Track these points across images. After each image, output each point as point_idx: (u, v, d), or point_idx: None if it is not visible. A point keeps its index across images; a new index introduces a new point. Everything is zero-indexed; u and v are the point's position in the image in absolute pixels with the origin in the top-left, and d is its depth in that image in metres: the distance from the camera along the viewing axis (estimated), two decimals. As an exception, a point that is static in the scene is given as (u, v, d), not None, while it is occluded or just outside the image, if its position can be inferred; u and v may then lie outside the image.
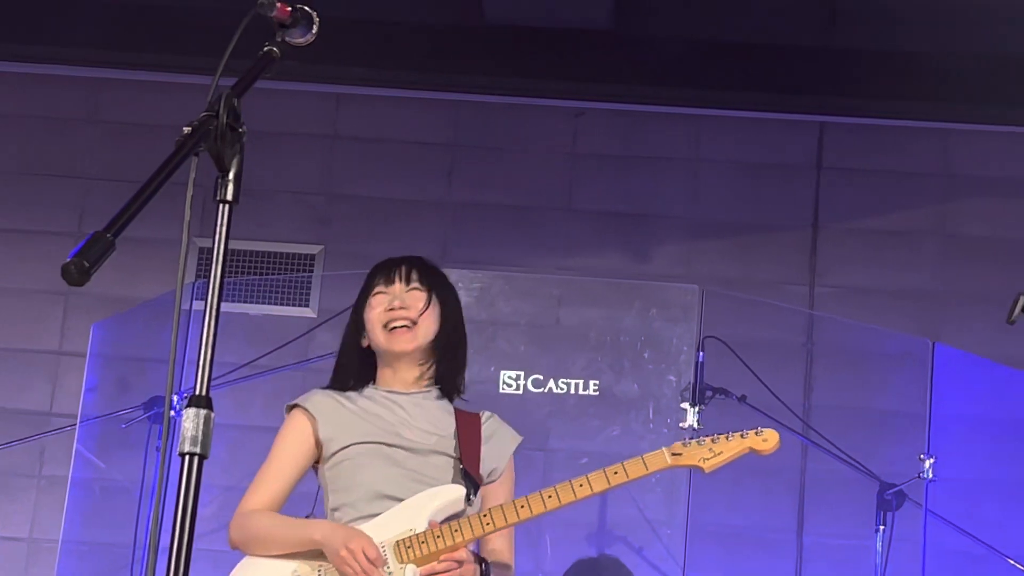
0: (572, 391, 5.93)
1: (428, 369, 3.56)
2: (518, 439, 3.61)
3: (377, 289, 3.57)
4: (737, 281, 6.64)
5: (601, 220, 6.86)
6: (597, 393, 5.92)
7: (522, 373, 5.93)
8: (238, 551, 3.47)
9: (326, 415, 3.49)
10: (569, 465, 5.74)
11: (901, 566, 5.74)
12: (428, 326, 3.53)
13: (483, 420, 3.57)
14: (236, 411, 6.18)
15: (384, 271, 3.59)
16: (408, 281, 3.56)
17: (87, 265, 2.10)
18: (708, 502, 5.95)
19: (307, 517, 3.74)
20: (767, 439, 3.39)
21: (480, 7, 6.40)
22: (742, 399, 5.72)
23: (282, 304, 6.72)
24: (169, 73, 6.68)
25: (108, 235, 2.13)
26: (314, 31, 2.61)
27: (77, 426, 6.25)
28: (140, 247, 6.20)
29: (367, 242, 6.74)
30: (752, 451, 3.39)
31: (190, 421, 2.27)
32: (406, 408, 3.52)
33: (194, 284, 6.10)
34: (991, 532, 5.89)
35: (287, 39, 2.59)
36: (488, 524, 3.35)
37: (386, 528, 3.37)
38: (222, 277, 2.34)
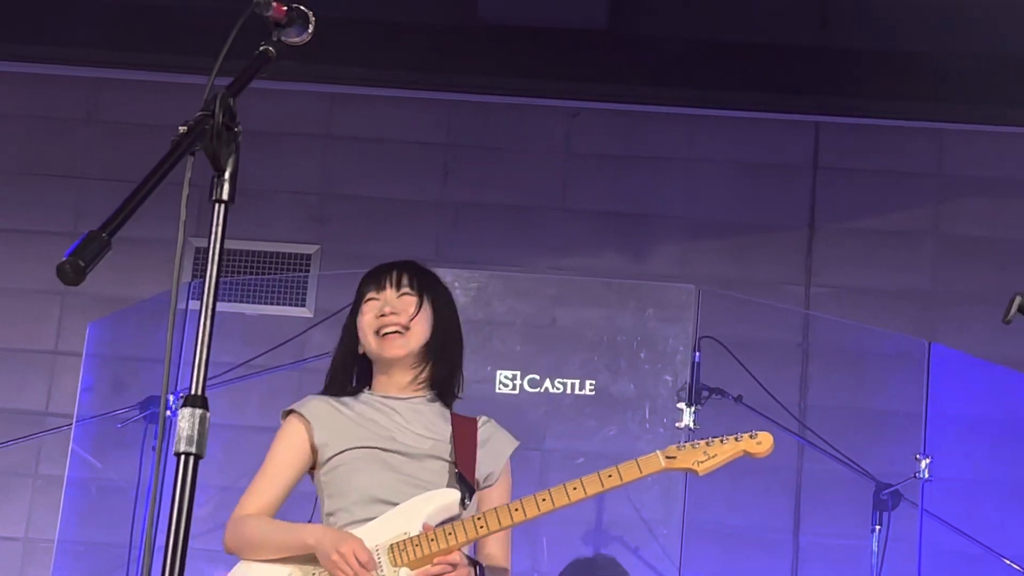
0: (568, 391, 5.93)
1: (422, 373, 3.56)
2: (514, 443, 3.61)
3: (369, 296, 3.58)
4: (734, 281, 6.64)
5: (598, 220, 6.86)
6: (593, 393, 5.92)
7: (518, 373, 5.93)
8: (233, 555, 3.47)
9: (321, 420, 3.50)
10: (565, 465, 5.74)
11: (897, 566, 5.74)
12: (420, 331, 3.54)
13: (479, 425, 3.57)
14: (232, 411, 6.18)
15: (375, 278, 3.60)
16: (399, 287, 3.57)
17: (83, 264, 2.10)
18: (704, 502, 5.95)
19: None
20: (761, 442, 3.39)
21: (476, 7, 6.40)
22: (738, 399, 5.72)
23: (278, 304, 6.72)
24: (168, 73, 6.68)
25: (104, 234, 2.13)
26: (310, 31, 2.62)
27: (73, 426, 6.25)
28: (136, 247, 6.19)
29: (364, 242, 6.74)
30: (746, 454, 3.39)
31: (186, 421, 2.27)
32: (401, 413, 3.53)
33: (190, 284, 6.10)
34: (987, 532, 5.89)
35: (283, 39, 2.59)
36: (482, 527, 3.35)
37: (380, 532, 3.37)
38: (218, 277, 2.34)
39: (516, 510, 3.36)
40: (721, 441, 3.39)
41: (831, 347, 6.64)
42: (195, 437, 2.27)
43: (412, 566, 3.33)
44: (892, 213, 6.85)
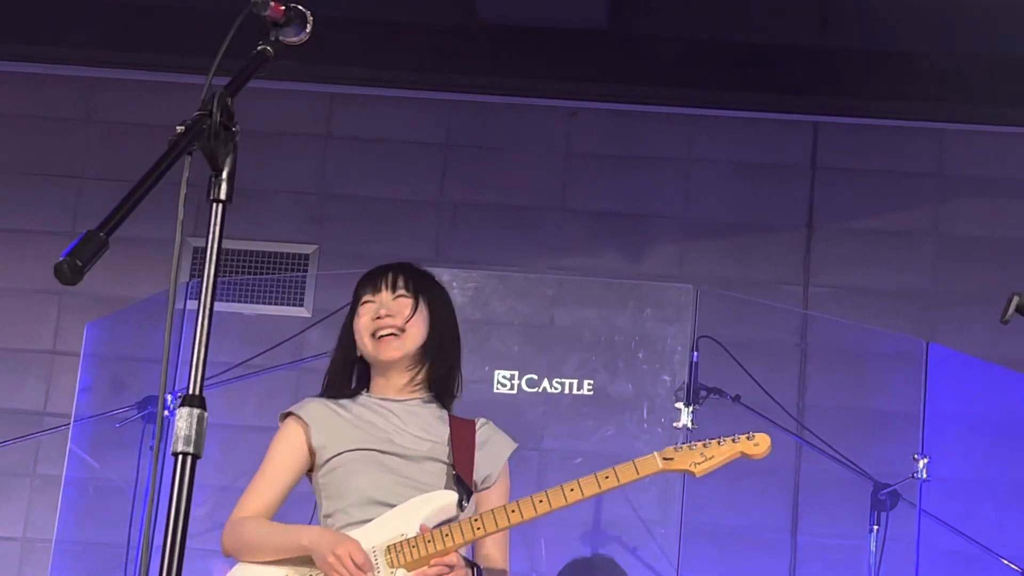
0: (566, 391, 5.93)
1: (419, 374, 3.56)
2: (513, 445, 3.61)
3: (365, 298, 3.58)
4: (732, 281, 6.64)
5: (596, 220, 6.87)
6: (591, 393, 5.92)
7: (516, 373, 5.93)
8: (231, 557, 3.47)
9: (319, 423, 3.50)
10: (563, 465, 5.74)
11: (895, 566, 5.74)
12: (416, 332, 3.54)
13: (477, 427, 3.57)
14: (230, 411, 6.18)
15: (371, 280, 3.60)
16: (394, 289, 3.57)
17: (80, 264, 2.10)
18: (702, 502, 5.95)
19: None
20: (758, 443, 3.39)
21: (475, 7, 6.40)
22: (736, 399, 5.72)
23: (276, 304, 6.71)
24: (166, 73, 6.68)
25: (101, 234, 2.13)
26: (308, 30, 2.62)
27: (71, 425, 6.25)
28: (134, 247, 6.19)
29: (362, 242, 6.75)
30: (744, 456, 3.39)
31: (183, 420, 2.27)
32: (399, 415, 3.53)
33: (188, 284, 6.09)
34: (985, 532, 5.89)
35: (281, 38, 2.59)
36: (479, 529, 3.35)
37: (378, 533, 3.37)
38: (215, 277, 2.34)
39: (513, 512, 3.36)
40: (719, 443, 3.39)
41: (829, 347, 6.64)
42: (193, 437, 2.26)
43: (409, 567, 3.33)
44: (891, 213, 6.85)
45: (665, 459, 3.38)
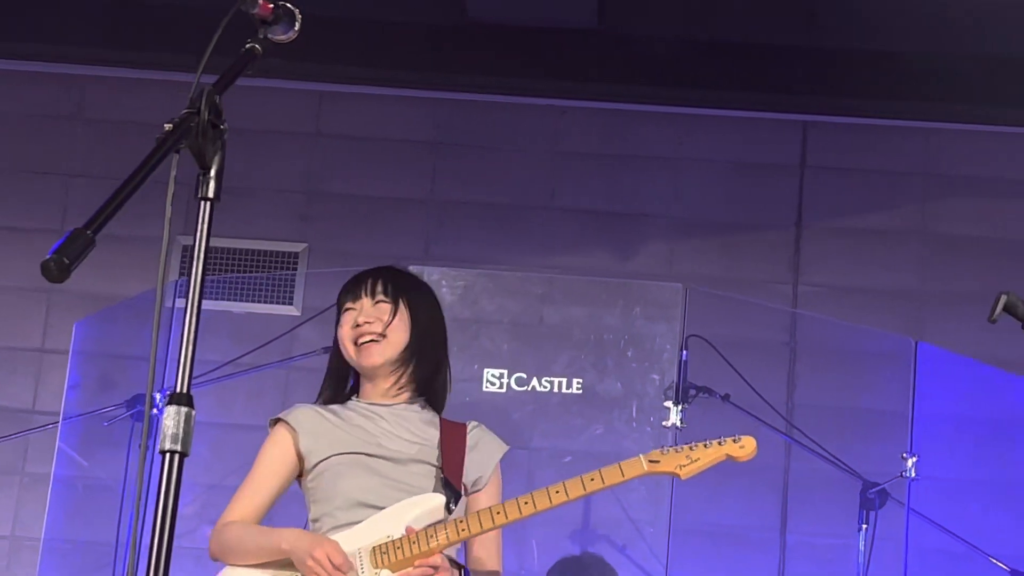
0: (555, 390, 5.93)
1: (403, 376, 3.57)
2: (504, 448, 3.62)
3: (346, 306, 3.61)
4: (721, 280, 6.64)
5: (585, 218, 6.87)
6: (580, 392, 5.92)
7: (505, 371, 5.93)
8: (218, 561, 3.49)
9: (307, 428, 3.52)
10: (552, 464, 5.74)
11: (884, 565, 5.75)
12: (396, 338, 3.55)
13: (468, 429, 3.58)
14: (219, 409, 6.18)
15: (351, 288, 3.63)
16: (373, 295, 3.59)
17: (67, 262, 2.10)
18: (691, 501, 5.95)
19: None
20: (744, 446, 3.40)
21: (465, 5, 6.40)
22: (725, 398, 5.73)
23: (265, 302, 6.71)
24: (155, 71, 6.67)
25: (88, 232, 2.13)
26: (296, 28, 2.62)
27: (60, 424, 6.24)
28: (123, 245, 6.18)
29: (351, 240, 6.74)
30: (729, 458, 3.40)
31: (171, 419, 2.27)
32: (387, 419, 3.54)
33: (176, 282, 6.09)
34: (974, 531, 5.90)
35: (269, 36, 2.59)
36: (463, 530, 3.36)
37: (364, 535, 3.38)
38: (203, 274, 2.34)
39: (498, 513, 3.36)
40: (705, 445, 3.40)
41: (818, 346, 6.65)
42: (180, 435, 2.26)
43: (393, 568, 3.33)
44: (880, 212, 6.86)
45: (651, 461, 3.38)
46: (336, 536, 3.38)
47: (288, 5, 2.60)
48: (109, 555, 5.94)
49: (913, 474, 5.58)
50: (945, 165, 6.87)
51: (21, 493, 6.58)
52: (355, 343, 3.55)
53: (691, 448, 3.39)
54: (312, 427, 3.52)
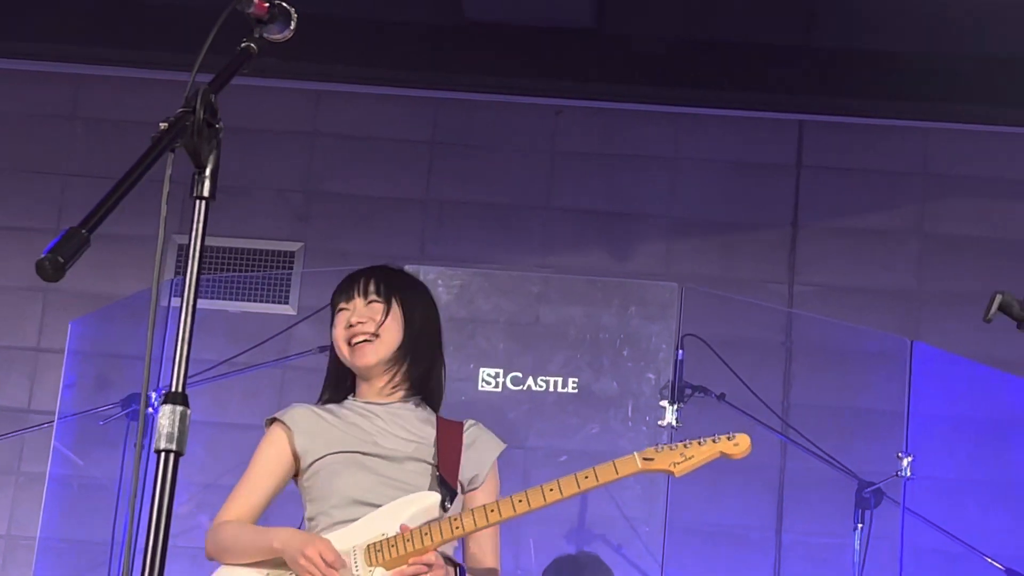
0: (551, 389, 5.93)
1: (397, 375, 3.58)
2: (501, 446, 3.62)
3: (340, 307, 3.62)
4: (717, 279, 6.65)
5: (581, 218, 6.87)
6: (576, 391, 5.92)
7: (501, 371, 5.93)
8: (214, 561, 3.49)
9: (302, 427, 3.52)
10: (548, 463, 5.74)
11: (879, 564, 5.76)
12: (390, 337, 3.56)
13: (465, 428, 3.58)
14: (214, 408, 6.18)
15: (344, 288, 3.64)
16: (366, 295, 3.59)
17: (62, 261, 2.09)
18: (687, 500, 5.95)
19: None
20: (738, 443, 3.39)
21: (461, 5, 6.40)
22: (721, 397, 5.73)
23: (261, 301, 6.71)
24: (151, 70, 6.66)
25: (83, 231, 2.13)
26: (292, 27, 2.62)
27: (55, 423, 6.24)
28: (119, 243, 6.19)
29: (347, 239, 6.74)
30: (723, 455, 3.40)
31: (166, 418, 2.27)
32: (383, 417, 3.55)
33: (172, 281, 6.09)
34: (969, 530, 5.90)
35: (265, 35, 2.59)
36: (457, 528, 3.36)
37: (359, 533, 3.38)
38: (199, 273, 2.34)
39: (492, 511, 3.37)
40: (699, 443, 3.39)
41: (814, 345, 6.65)
42: (175, 434, 2.26)
43: (387, 566, 3.33)
44: (876, 212, 6.86)
45: (645, 459, 3.38)
46: (332, 534, 3.38)
47: (284, 4, 2.60)
48: (104, 554, 5.94)
49: (909, 474, 5.59)
50: (941, 165, 6.87)
51: (16, 492, 6.58)
52: (349, 343, 3.56)
53: (685, 445, 3.39)
54: (308, 426, 3.52)
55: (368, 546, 3.35)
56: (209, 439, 6.02)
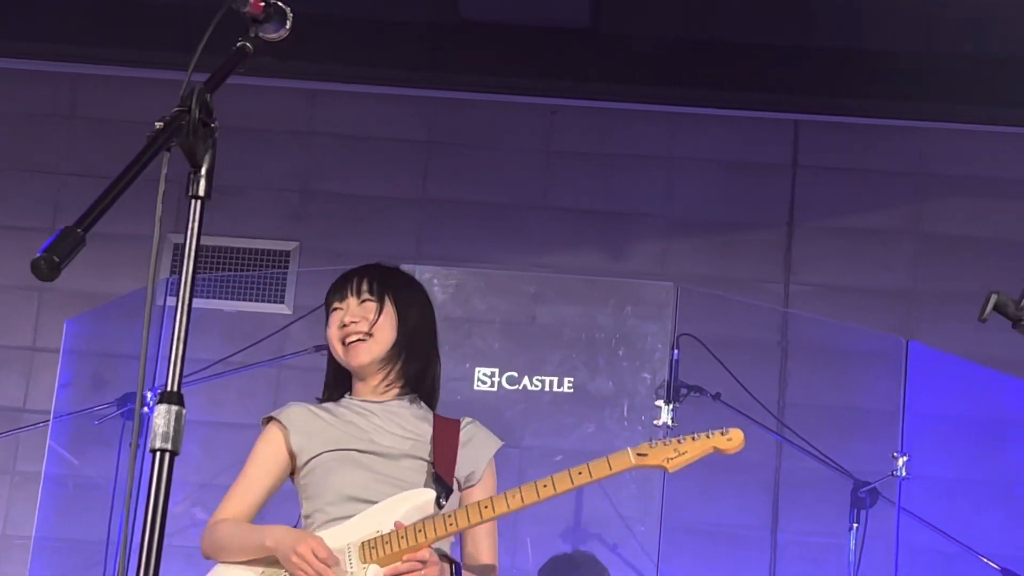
0: (547, 388, 5.94)
1: (391, 372, 3.59)
2: (498, 444, 3.62)
3: (334, 306, 3.63)
4: (712, 279, 6.65)
5: (577, 217, 6.87)
6: (572, 390, 5.93)
7: (497, 370, 5.93)
8: (211, 559, 3.50)
9: (298, 426, 3.53)
10: (544, 462, 5.75)
11: (874, 564, 5.76)
12: (383, 336, 3.57)
13: (462, 426, 3.59)
14: (210, 408, 6.17)
15: (337, 288, 3.65)
16: (359, 294, 3.60)
17: (57, 260, 2.09)
18: (682, 499, 5.96)
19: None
20: (732, 438, 3.39)
21: (457, 4, 6.40)
22: (717, 396, 5.73)
23: (257, 300, 6.71)
24: (147, 69, 6.66)
25: (78, 230, 2.13)
26: (288, 27, 2.62)
27: (50, 422, 6.23)
28: (114, 243, 6.18)
29: (343, 239, 6.74)
30: (717, 450, 3.39)
31: (161, 417, 2.27)
32: (379, 415, 3.56)
33: (168, 280, 6.09)
34: (964, 530, 5.91)
35: (260, 34, 2.60)
36: (451, 525, 3.36)
37: (354, 530, 3.39)
38: (194, 273, 2.34)
39: (486, 507, 3.37)
40: (692, 438, 3.39)
41: (810, 345, 6.65)
42: (171, 434, 2.26)
43: (381, 563, 3.33)
44: (872, 211, 6.86)
45: (638, 455, 3.38)
46: (327, 531, 3.39)
47: (279, 3, 2.60)
48: (100, 553, 5.94)
49: (904, 473, 5.59)
50: (937, 165, 6.88)
51: (12, 492, 6.58)
52: (343, 343, 3.57)
53: (679, 441, 3.39)
54: (304, 425, 3.53)
55: (363, 543, 3.36)
56: (205, 438, 6.02)
